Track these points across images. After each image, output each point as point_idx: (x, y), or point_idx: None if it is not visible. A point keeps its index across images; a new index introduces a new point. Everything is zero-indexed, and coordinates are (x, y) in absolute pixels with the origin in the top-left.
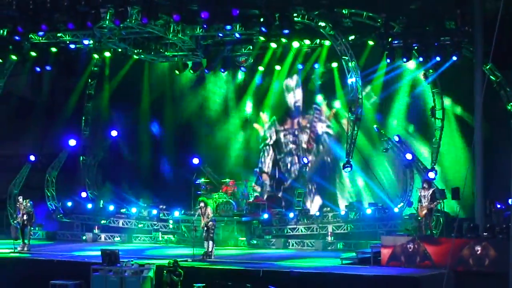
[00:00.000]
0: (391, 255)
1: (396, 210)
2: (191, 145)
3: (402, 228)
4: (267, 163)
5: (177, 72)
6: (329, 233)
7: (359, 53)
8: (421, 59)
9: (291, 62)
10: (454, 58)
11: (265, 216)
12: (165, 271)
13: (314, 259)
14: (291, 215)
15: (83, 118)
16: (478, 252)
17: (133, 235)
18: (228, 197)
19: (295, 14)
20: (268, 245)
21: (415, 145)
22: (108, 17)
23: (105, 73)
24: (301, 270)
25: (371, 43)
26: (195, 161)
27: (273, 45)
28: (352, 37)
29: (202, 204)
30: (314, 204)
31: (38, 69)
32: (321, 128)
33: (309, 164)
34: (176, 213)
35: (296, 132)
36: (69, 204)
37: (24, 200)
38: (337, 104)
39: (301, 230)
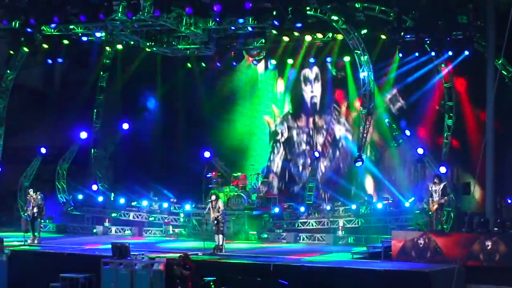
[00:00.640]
0: (401, 249)
1: (407, 204)
2: (203, 139)
3: (413, 223)
4: (276, 163)
5: (189, 65)
6: (340, 228)
7: (371, 47)
8: (433, 53)
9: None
10: (466, 52)
11: (276, 210)
12: (175, 265)
13: (325, 253)
14: (302, 209)
15: (95, 110)
16: (489, 247)
17: (144, 229)
18: (239, 190)
19: (307, 8)
20: (278, 239)
21: None
22: (120, 10)
23: (117, 66)
24: (312, 264)
25: (383, 37)
26: (207, 154)
27: (286, 38)
28: (364, 31)
29: (213, 197)
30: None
31: (50, 61)
32: (339, 131)
33: (322, 166)
34: (187, 207)
35: (311, 132)
36: (80, 197)
37: (35, 193)
38: (358, 105)
39: (312, 224)
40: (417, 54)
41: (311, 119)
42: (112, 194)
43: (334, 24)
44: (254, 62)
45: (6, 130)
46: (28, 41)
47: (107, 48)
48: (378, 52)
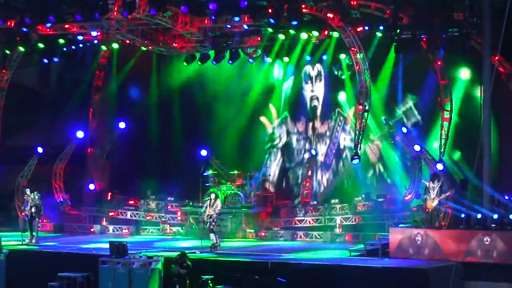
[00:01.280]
0: (399, 246)
1: (406, 199)
2: (200, 137)
3: (410, 220)
4: (273, 170)
5: (185, 63)
6: (337, 225)
7: (367, 44)
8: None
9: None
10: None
11: (274, 207)
12: (173, 264)
13: (322, 251)
14: (299, 207)
15: (91, 110)
16: (487, 244)
17: (141, 227)
18: (236, 189)
19: (303, 6)
20: (276, 237)
21: None
22: (116, 9)
23: (113, 64)
24: (309, 262)
25: (379, 34)
26: (203, 153)
27: (281, 36)
28: (360, 29)
29: (213, 196)
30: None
31: (45, 60)
32: (343, 141)
33: (324, 179)
34: (184, 205)
35: (312, 139)
36: (77, 196)
37: (32, 193)
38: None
39: (309, 222)
40: (413, 51)
41: (310, 124)
42: (109, 193)
43: (330, 21)
44: (250, 60)
45: (2, 130)
46: (24, 40)
47: (103, 47)
48: (374, 49)
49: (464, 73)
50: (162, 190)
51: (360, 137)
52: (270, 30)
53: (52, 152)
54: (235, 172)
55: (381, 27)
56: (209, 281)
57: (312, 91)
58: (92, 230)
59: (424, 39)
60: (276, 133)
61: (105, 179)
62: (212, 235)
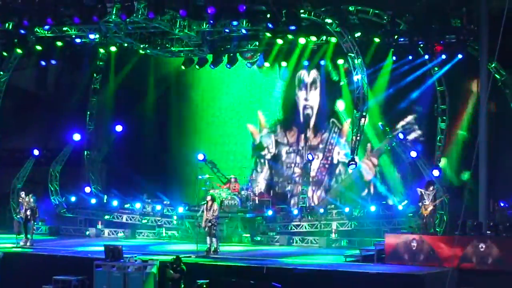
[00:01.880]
0: (394, 252)
1: (400, 207)
2: (196, 141)
3: (406, 226)
4: (259, 182)
5: (183, 67)
6: (333, 230)
7: (365, 50)
8: (426, 56)
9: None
10: (460, 56)
11: (269, 212)
12: (168, 267)
13: (318, 256)
14: (295, 212)
15: (88, 112)
16: (482, 250)
17: (137, 231)
18: (232, 193)
19: (302, 11)
20: (272, 242)
21: None
22: (114, 12)
23: (110, 67)
24: (305, 267)
25: (377, 40)
26: (200, 157)
27: (280, 41)
28: (358, 34)
29: (209, 198)
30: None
31: (43, 63)
32: (337, 155)
33: (315, 196)
34: (180, 209)
35: (303, 152)
36: (73, 199)
37: (27, 196)
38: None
39: (305, 227)
40: (410, 57)
41: (302, 135)
42: (105, 196)
43: (328, 27)
44: (248, 64)
45: None
46: (22, 42)
47: (101, 50)
48: (372, 55)
49: (475, 85)
50: (158, 193)
51: (357, 143)
52: (268, 34)
53: (49, 155)
54: (232, 176)
55: (379, 33)
56: (204, 286)
57: (306, 99)
58: (87, 233)
59: (421, 44)
60: (264, 143)
61: (102, 182)
62: (213, 240)
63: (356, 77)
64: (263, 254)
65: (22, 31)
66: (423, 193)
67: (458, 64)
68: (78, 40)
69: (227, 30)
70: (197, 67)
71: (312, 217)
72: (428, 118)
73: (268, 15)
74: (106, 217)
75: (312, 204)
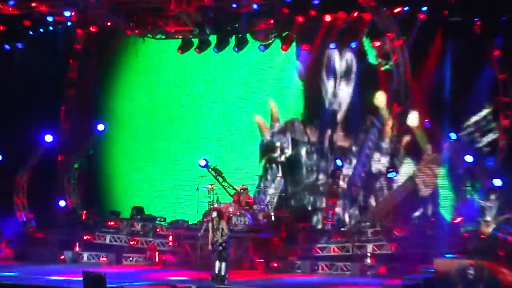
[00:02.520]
0: (446, 282)
1: (454, 222)
2: (195, 142)
3: (460, 249)
4: (270, 196)
5: (179, 52)
6: (369, 254)
7: (407, 29)
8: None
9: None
10: None
11: (288, 232)
12: None
13: (350, 287)
14: (321, 230)
15: (63, 108)
16: None
17: (123, 255)
18: (242, 208)
19: None
20: (291, 269)
21: None
22: None
23: (90, 52)
24: None
25: (422, 16)
26: (201, 162)
27: (300, 19)
28: (398, 9)
29: (215, 215)
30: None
31: (7, 46)
32: (378, 162)
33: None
34: (178, 227)
35: (329, 155)
36: (44, 215)
37: None
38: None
39: (333, 250)
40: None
41: (328, 133)
42: (84, 212)
43: (360, 0)
44: (261, 47)
45: None
46: None
47: (79, 31)
48: (416, 35)
49: None
50: (150, 208)
51: (399, 146)
52: (285, 10)
53: (14, 160)
54: (241, 186)
55: (425, 8)
56: None
57: (334, 90)
58: (62, 257)
59: (477, 23)
60: (276, 141)
61: (80, 194)
62: (221, 265)
63: (397, 63)
64: (281, 284)
65: None
66: (484, 206)
67: None
68: (50, 19)
69: (234, 6)
70: (196, 51)
71: (342, 237)
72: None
73: None
74: (86, 237)
75: (343, 220)
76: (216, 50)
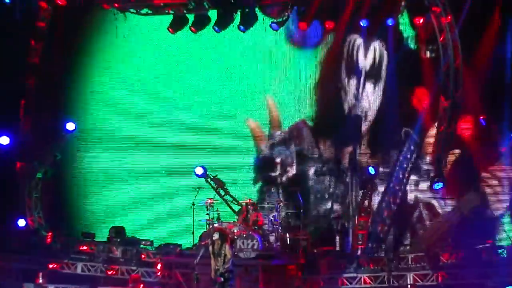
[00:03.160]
0: None
1: None
2: (190, 146)
3: None
4: (284, 213)
5: (169, 31)
6: (409, 286)
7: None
8: None
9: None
10: None
11: (308, 258)
12: None
13: None
14: (349, 256)
15: (23, 102)
16: None
17: None
18: (249, 227)
19: None
20: None
21: None
22: None
23: (57, 32)
24: None
25: None
26: (198, 171)
27: None
28: None
29: (216, 237)
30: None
31: None
32: (415, 189)
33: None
34: (168, 254)
35: (347, 179)
36: None
37: None
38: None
39: (366, 281)
40: None
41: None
42: (50, 234)
43: None
44: (273, 25)
45: None
46: None
47: (43, 4)
48: (469, 10)
49: None
50: (133, 229)
51: (447, 147)
52: None
53: None
54: (246, 200)
55: None
56: None
57: (357, 91)
58: None
59: None
60: (275, 154)
61: (44, 211)
62: None
63: (444, 45)
64: None
65: None
66: None
67: None
68: None
69: None
70: (191, 29)
71: (376, 265)
72: None
73: None
74: (51, 266)
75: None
76: (216, 29)
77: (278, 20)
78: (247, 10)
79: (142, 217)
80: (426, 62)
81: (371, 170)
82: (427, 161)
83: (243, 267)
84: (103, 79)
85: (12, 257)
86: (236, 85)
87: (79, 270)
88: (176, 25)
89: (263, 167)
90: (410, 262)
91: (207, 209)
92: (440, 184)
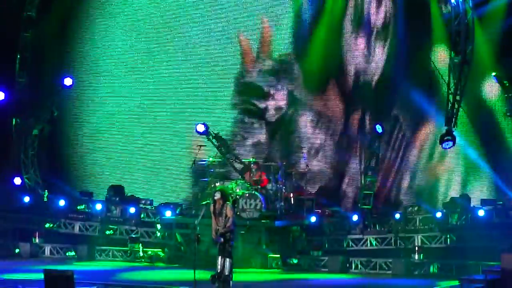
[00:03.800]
0: None
1: None
2: (191, 101)
3: None
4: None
5: None
6: (417, 248)
7: None
8: None
9: None
10: None
11: (313, 219)
12: None
13: None
14: (355, 217)
15: (18, 56)
16: None
17: (97, 248)
18: (252, 187)
19: None
20: (317, 267)
21: None
22: None
23: None
24: None
25: None
26: (199, 128)
27: None
28: None
29: (218, 196)
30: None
31: None
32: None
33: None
34: (168, 213)
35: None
36: None
37: None
38: None
39: (371, 243)
40: None
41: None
42: (46, 192)
43: None
44: None
45: None
46: None
47: None
48: None
49: None
50: (132, 188)
51: (456, 106)
52: None
53: None
54: (251, 160)
55: None
56: None
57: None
58: (17, 251)
59: None
60: (264, 84)
61: (41, 168)
62: (224, 262)
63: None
64: (302, 285)
65: None
66: None
67: None
68: None
69: None
70: None
71: (383, 226)
72: None
73: None
74: (48, 225)
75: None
76: None
77: None
78: None
79: (142, 176)
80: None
81: (378, 128)
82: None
83: (246, 227)
84: (100, 30)
85: (7, 216)
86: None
87: (76, 230)
88: None
89: (244, 92)
90: (417, 224)
91: (208, 168)
92: (450, 143)
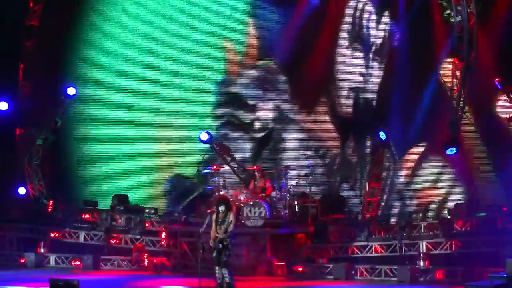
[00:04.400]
0: None
1: None
2: (196, 110)
3: None
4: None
5: None
6: (422, 255)
7: None
8: None
9: None
10: None
11: (317, 226)
12: None
13: None
14: (360, 224)
15: (21, 66)
16: None
17: (102, 257)
18: (257, 195)
19: None
20: (322, 274)
21: None
22: None
23: None
24: None
25: None
26: (203, 136)
27: None
28: None
29: (222, 208)
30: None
31: None
32: None
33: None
34: (173, 221)
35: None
36: None
37: None
38: None
39: (376, 250)
40: None
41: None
42: (51, 202)
43: None
44: None
45: None
46: None
47: None
48: None
49: None
50: (136, 197)
51: (460, 111)
52: None
53: None
54: (255, 167)
55: None
56: None
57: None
58: (22, 261)
59: None
60: (247, 95)
61: (45, 178)
62: (224, 272)
63: (458, 6)
64: None
65: None
66: None
67: None
68: None
69: None
70: None
71: (387, 233)
72: None
73: None
74: (53, 235)
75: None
76: None
77: None
78: None
79: (146, 186)
80: (439, 25)
81: (382, 135)
82: None
83: (250, 236)
84: (105, 41)
85: (12, 226)
86: None
87: (81, 239)
88: None
89: (226, 101)
90: (422, 230)
91: (213, 177)
92: (454, 149)
